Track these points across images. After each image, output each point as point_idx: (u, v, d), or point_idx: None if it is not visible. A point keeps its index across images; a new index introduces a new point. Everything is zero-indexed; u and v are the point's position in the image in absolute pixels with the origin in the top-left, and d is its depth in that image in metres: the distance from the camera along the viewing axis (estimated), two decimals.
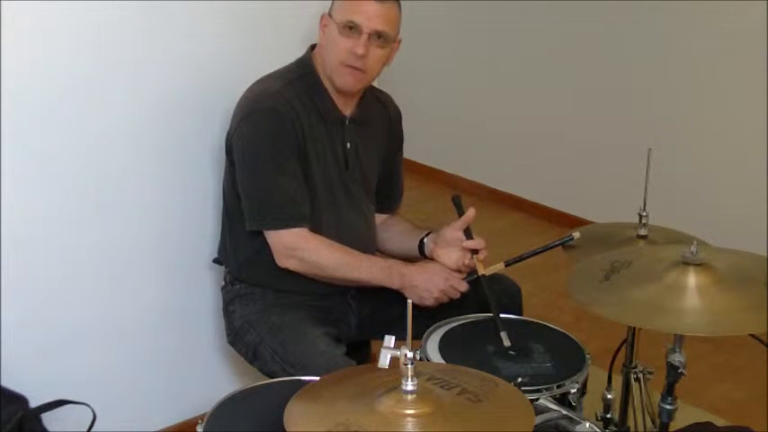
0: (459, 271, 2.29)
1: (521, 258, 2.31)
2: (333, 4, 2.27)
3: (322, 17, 2.28)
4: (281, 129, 2.22)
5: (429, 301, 2.25)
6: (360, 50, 2.19)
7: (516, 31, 4.72)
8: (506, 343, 2.08)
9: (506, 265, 2.30)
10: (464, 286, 2.27)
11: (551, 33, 4.56)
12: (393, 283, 2.25)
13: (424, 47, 4.90)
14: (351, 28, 2.19)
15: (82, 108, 2.29)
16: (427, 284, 2.24)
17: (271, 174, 2.22)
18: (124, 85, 2.35)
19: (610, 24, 4.31)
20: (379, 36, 2.21)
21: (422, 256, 2.40)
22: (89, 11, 2.23)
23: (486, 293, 2.22)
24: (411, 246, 2.43)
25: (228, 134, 2.31)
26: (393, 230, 2.51)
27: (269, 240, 2.25)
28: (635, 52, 4.23)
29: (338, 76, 2.25)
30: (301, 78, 2.29)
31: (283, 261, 2.25)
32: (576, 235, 2.29)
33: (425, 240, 2.40)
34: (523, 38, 4.70)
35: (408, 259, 2.40)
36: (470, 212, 2.31)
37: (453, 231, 2.31)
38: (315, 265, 2.25)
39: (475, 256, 2.29)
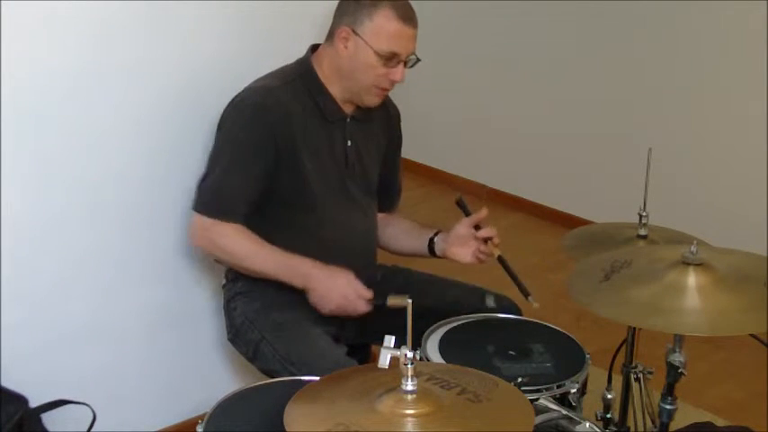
0: (479, 261, 2.30)
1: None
2: (359, 20, 2.19)
3: (342, 30, 2.22)
4: (258, 127, 2.22)
5: (324, 309, 2.22)
6: (400, 78, 2.22)
7: (517, 32, 4.72)
8: (535, 305, 2.11)
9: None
10: (364, 308, 2.21)
11: (552, 33, 4.56)
12: (296, 281, 2.24)
13: (424, 47, 4.90)
14: (391, 58, 2.20)
15: (81, 108, 2.29)
16: (328, 292, 2.20)
17: (226, 167, 2.24)
18: (123, 85, 2.35)
19: (609, 25, 4.31)
20: (409, 56, 2.24)
21: (432, 255, 2.40)
22: (89, 11, 2.23)
23: (505, 264, 2.24)
24: (418, 245, 2.43)
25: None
26: (397, 229, 2.51)
27: (191, 220, 2.27)
28: (635, 53, 4.23)
29: (368, 97, 2.27)
30: (301, 78, 2.30)
31: (193, 241, 2.29)
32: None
33: (436, 240, 2.40)
34: (524, 38, 4.69)
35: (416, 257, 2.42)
36: (483, 212, 2.31)
37: (465, 228, 2.31)
38: (221, 249, 2.26)
39: (490, 242, 2.28)
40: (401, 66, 2.22)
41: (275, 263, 2.25)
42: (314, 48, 2.35)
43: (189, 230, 2.31)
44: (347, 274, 2.23)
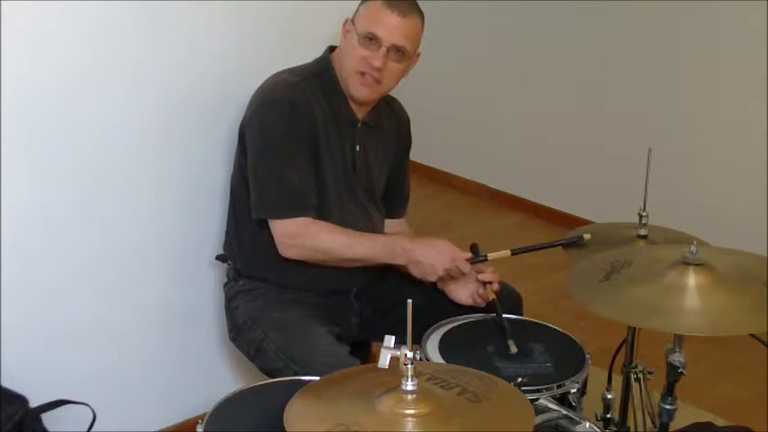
0: (474, 302, 2.32)
1: (527, 249, 2.33)
2: (358, 10, 2.27)
3: (345, 22, 2.27)
4: (295, 120, 2.23)
5: (432, 277, 2.27)
6: (377, 63, 2.20)
7: (517, 32, 4.72)
8: (513, 350, 2.08)
9: (513, 254, 2.31)
10: (468, 268, 2.28)
11: (552, 33, 4.56)
12: (398, 259, 2.26)
13: (424, 46, 4.90)
14: (371, 39, 2.20)
15: (83, 107, 2.29)
16: (432, 261, 2.24)
17: (280, 164, 2.22)
18: (125, 83, 2.35)
19: (610, 25, 4.31)
20: (397, 50, 2.22)
21: (431, 286, 2.38)
22: (92, 10, 2.23)
23: (497, 308, 2.24)
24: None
25: (243, 121, 2.32)
26: None
27: (272, 230, 2.25)
28: (635, 53, 4.23)
29: (353, 84, 2.26)
30: (318, 76, 2.30)
31: (285, 251, 2.25)
32: (587, 237, 2.29)
33: None
34: (524, 38, 4.70)
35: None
36: (489, 269, 2.33)
37: (470, 269, 2.32)
38: (316, 250, 2.25)
39: (489, 286, 2.31)
40: (381, 51, 2.20)
41: (373, 247, 2.27)
42: (332, 50, 2.36)
43: (276, 242, 2.24)
44: (441, 239, 2.29)
